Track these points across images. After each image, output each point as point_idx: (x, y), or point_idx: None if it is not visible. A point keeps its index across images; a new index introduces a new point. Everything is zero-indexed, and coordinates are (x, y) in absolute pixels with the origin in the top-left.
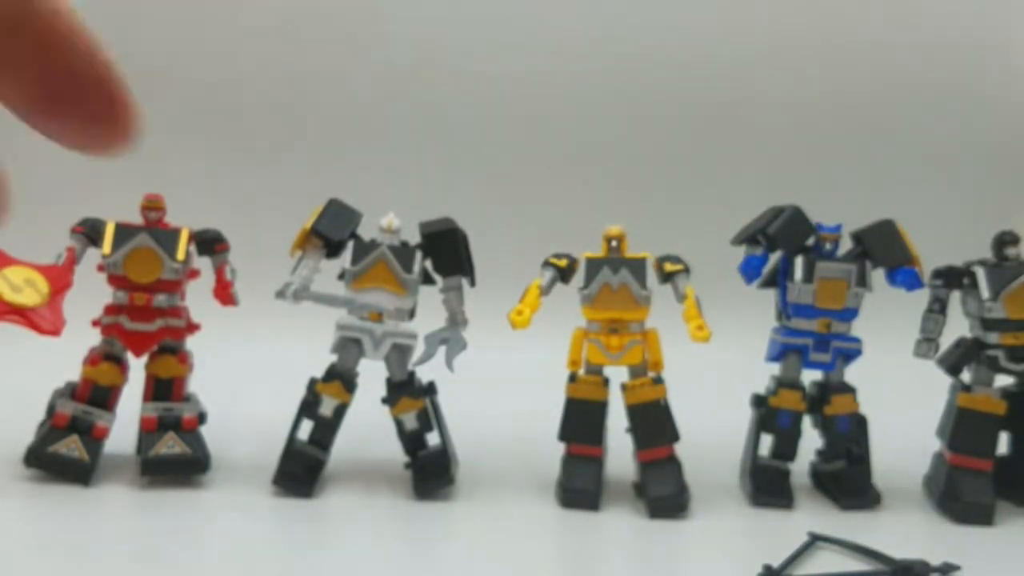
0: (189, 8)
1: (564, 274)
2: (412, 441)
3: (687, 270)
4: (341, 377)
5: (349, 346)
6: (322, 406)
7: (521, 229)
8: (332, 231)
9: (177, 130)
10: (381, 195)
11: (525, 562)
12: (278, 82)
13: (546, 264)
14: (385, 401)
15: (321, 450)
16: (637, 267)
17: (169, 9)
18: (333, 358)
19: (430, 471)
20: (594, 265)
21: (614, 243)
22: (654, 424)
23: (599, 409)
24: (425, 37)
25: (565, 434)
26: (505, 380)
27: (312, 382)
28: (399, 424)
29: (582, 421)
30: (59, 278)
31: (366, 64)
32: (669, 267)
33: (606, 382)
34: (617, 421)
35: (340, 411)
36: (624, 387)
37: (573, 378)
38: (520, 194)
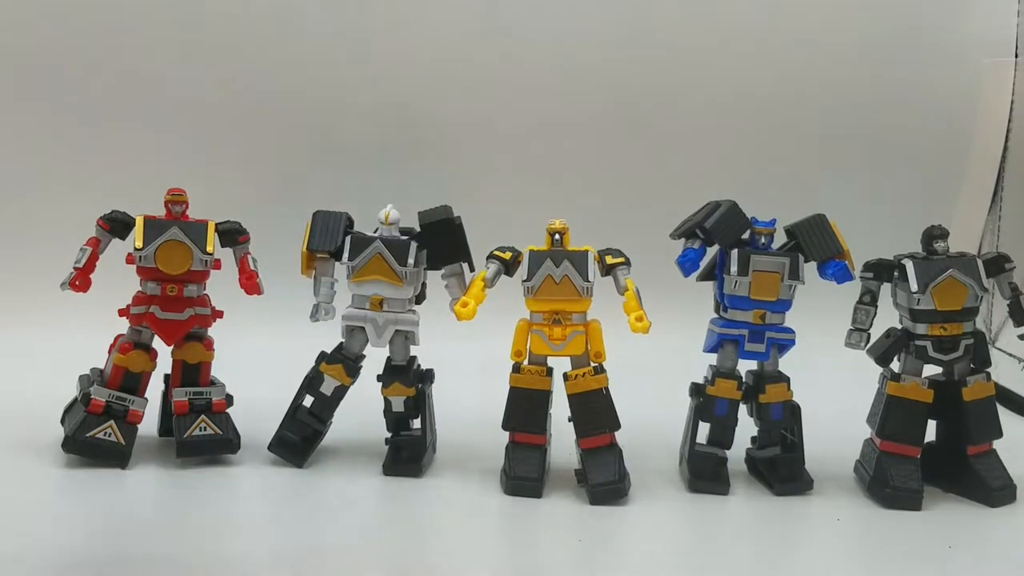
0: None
1: (508, 267)
2: (396, 422)
3: (628, 263)
4: (344, 361)
5: (356, 332)
6: (323, 385)
7: (507, 224)
8: (325, 243)
9: (175, 127)
10: (382, 194)
11: (468, 548)
12: (277, 81)
13: (491, 257)
14: (379, 379)
15: (319, 423)
16: (579, 259)
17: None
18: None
19: (404, 454)
20: (537, 258)
21: (556, 236)
22: (595, 412)
23: (542, 398)
24: (421, 36)
25: (509, 423)
26: (461, 369)
27: (320, 357)
28: (387, 403)
29: (525, 410)
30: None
31: (367, 64)
32: (610, 260)
33: (549, 372)
34: (563, 411)
35: (339, 392)
36: (566, 376)
37: (517, 368)
38: (499, 189)
